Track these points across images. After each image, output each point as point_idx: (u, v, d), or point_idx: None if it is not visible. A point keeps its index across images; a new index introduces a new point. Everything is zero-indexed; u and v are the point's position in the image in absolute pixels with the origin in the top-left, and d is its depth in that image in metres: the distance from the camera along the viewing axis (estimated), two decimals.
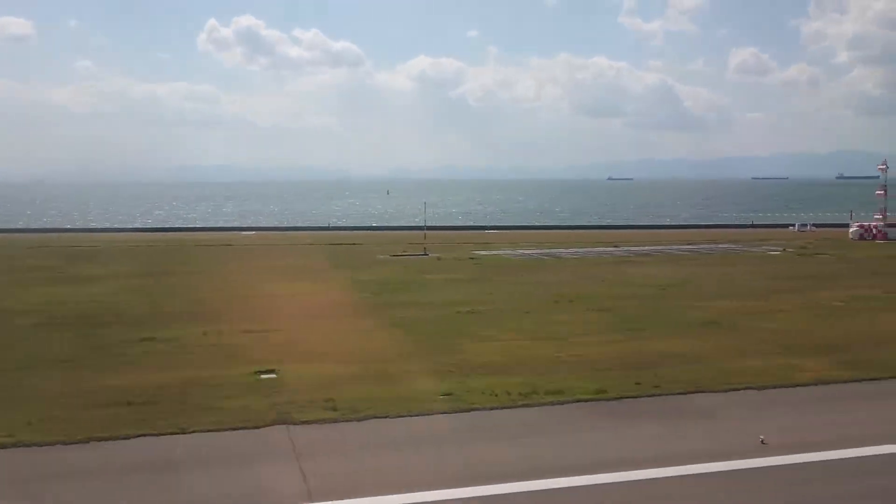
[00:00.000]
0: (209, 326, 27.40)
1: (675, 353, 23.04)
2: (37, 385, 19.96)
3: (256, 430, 16.32)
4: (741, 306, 31.48)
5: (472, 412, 17.58)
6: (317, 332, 26.54)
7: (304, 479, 13.63)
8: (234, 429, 16.37)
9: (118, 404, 18.02)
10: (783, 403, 18.24)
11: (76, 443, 15.52)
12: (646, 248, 59.14)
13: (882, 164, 68.05)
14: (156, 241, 69.67)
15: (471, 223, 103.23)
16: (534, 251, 57.19)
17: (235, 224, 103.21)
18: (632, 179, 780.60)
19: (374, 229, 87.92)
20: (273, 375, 20.87)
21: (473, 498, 12.84)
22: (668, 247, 59.68)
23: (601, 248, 58.91)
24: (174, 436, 15.93)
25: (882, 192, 67.50)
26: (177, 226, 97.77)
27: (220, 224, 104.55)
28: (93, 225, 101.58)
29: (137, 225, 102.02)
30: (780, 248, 56.87)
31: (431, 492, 13.08)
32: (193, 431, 16.15)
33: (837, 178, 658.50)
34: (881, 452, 14.74)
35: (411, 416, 17.27)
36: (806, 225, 78.53)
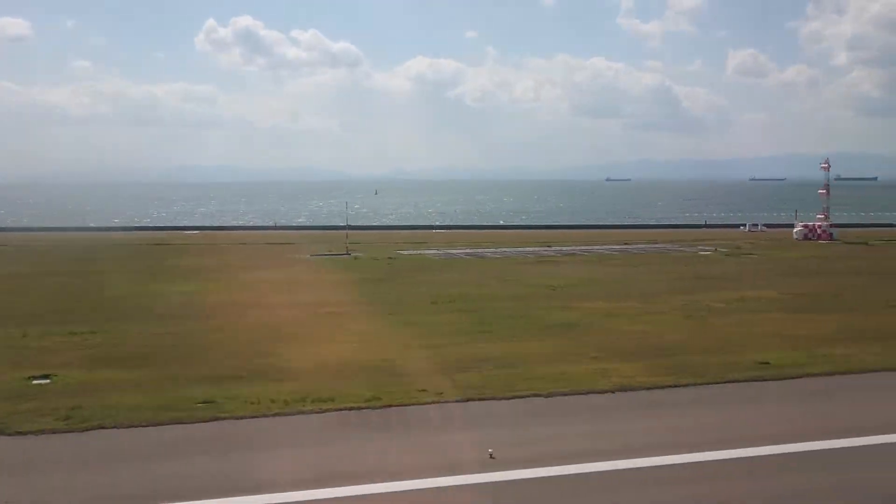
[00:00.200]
0: (39, 327, 26.16)
1: (497, 357, 21.77)
2: None
3: None
4: (617, 307, 30.19)
5: (224, 421, 16.34)
6: (141, 335, 25.24)
7: None
8: None
9: None
10: (553, 412, 16.97)
11: None
12: (579, 247, 57.89)
13: (824, 163, 66.76)
14: (84, 239, 68.56)
15: (428, 223, 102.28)
16: (463, 250, 55.98)
17: (205, 223, 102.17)
18: (630, 180, 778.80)
19: (321, 229, 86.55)
20: (46, 381, 19.58)
21: None
22: (603, 247, 58.41)
23: (533, 248, 57.68)
24: None
25: (824, 191, 66.22)
26: (133, 225, 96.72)
27: (183, 223, 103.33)
28: (47, 224, 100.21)
29: (92, 224, 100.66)
30: (713, 249, 55.55)
31: None
32: None
33: (835, 179, 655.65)
34: (603, 469, 13.42)
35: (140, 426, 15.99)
36: (757, 225, 77.15)
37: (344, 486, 12.66)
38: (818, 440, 14.71)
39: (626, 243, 61.40)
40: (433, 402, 17.57)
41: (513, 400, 17.84)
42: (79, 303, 32.10)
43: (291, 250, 56.38)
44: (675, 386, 18.91)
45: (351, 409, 17.08)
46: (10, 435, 15.45)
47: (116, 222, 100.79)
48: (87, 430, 15.73)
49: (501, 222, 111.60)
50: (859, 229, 76.56)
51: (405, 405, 17.42)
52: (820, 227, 64.01)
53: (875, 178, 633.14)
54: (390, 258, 50.65)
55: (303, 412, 16.90)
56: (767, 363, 20.90)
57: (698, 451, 14.15)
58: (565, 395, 18.17)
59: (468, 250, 56.09)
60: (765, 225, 77.75)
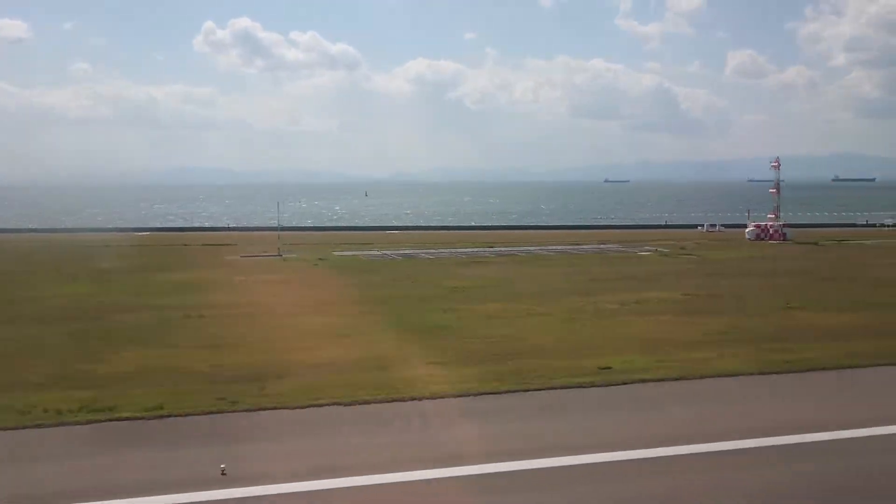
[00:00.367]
0: None
1: (334, 363, 20.59)
2: None
3: None
4: (505, 309, 29.00)
5: None
6: None
7: None
8: None
9: None
10: (348, 422, 15.75)
11: None
12: (522, 248, 56.69)
13: (774, 163, 65.44)
14: (23, 241, 67.70)
15: (401, 224, 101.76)
16: (402, 252, 54.78)
17: (172, 225, 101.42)
18: (628, 181, 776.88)
19: (270, 230, 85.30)
20: None
21: None
22: (548, 248, 57.21)
23: (475, 249, 56.48)
24: None
25: (775, 190, 64.91)
26: (85, 227, 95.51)
27: (153, 225, 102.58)
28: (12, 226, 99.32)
29: (56, 226, 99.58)
30: (654, 250, 54.30)
31: None
32: None
33: (833, 180, 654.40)
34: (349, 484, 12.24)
35: None
36: (715, 226, 75.86)
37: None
38: (605, 452, 13.48)
39: (575, 244, 60.18)
40: (218, 412, 16.39)
41: (309, 409, 16.65)
42: None
43: (227, 252, 55.22)
44: (492, 393, 17.69)
45: (128, 419, 15.94)
46: None
47: (68, 224, 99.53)
48: None
49: (473, 223, 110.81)
50: (820, 229, 75.20)
51: (190, 415, 16.25)
52: (772, 226, 62.70)
53: (873, 179, 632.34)
54: (320, 259, 49.50)
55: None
56: (609, 368, 19.71)
57: (470, 465, 12.96)
58: (366, 403, 16.97)
59: (406, 251, 54.88)
60: (723, 225, 76.43)
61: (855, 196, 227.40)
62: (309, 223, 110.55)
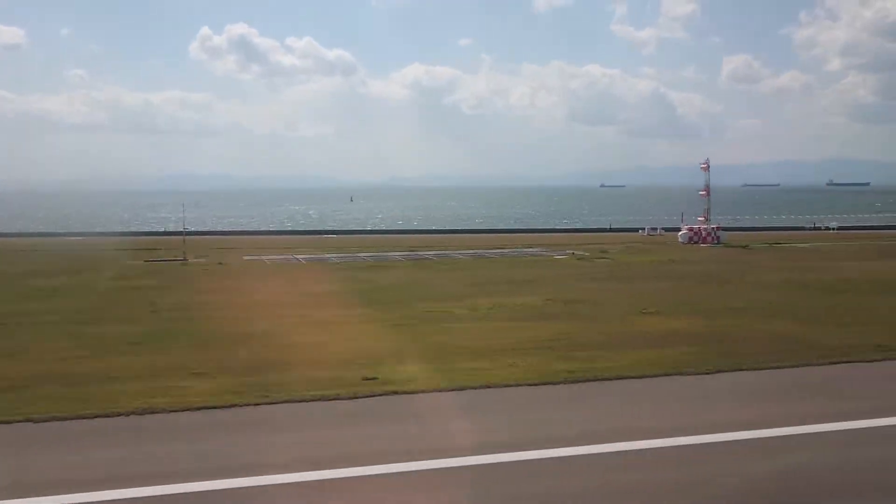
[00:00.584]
0: None
1: (68, 375, 19.13)
2: None
3: None
4: (344, 315, 27.56)
5: None
6: None
7: None
8: None
9: None
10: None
11: None
12: (438, 252, 55.23)
13: (703, 163, 64.01)
14: None
15: (343, 228, 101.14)
16: (312, 256, 53.49)
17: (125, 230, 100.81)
18: (624, 186, 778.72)
19: (212, 234, 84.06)
20: None
21: None
22: (466, 251, 55.68)
23: (389, 253, 55.07)
24: None
25: (704, 192, 63.50)
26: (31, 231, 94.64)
27: (115, 230, 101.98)
28: None
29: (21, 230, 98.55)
30: (571, 253, 52.87)
31: None
32: None
33: (828, 184, 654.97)
34: None
35: None
36: (656, 229, 74.53)
37: None
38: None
39: (501, 247, 58.87)
40: None
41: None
42: None
43: (137, 255, 53.81)
44: (220, 407, 16.18)
45: None
46: None
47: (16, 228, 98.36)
48: None
49: (433, 227, 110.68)
50: (765, 232, 73.81)
51: None
52: (705, 229, 61.28)
53: (867, 184, 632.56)
54: (219, 264, 48.13)
55: None
56: (375, 378, 18.22)
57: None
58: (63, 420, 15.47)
59: (319, 255, 53.59)
60: (663, 228, 75.04)
61: (847, 200, 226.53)
62: (270, 227, 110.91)
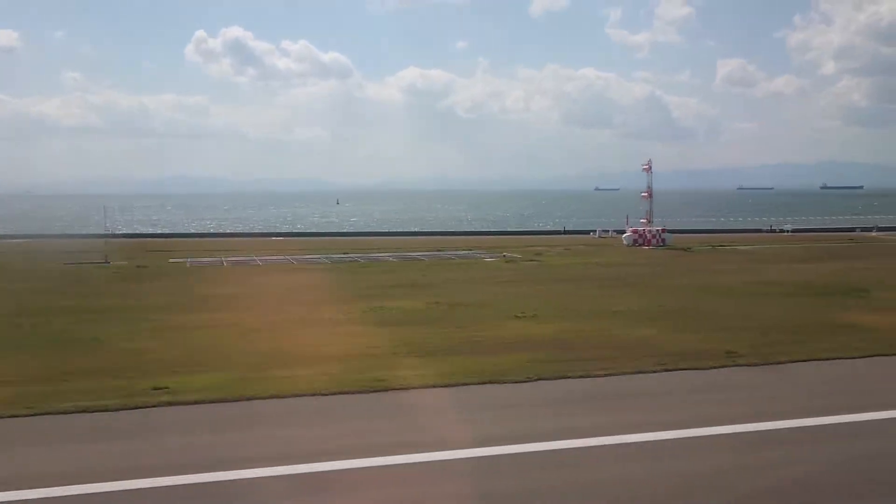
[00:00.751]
0: None
1: None
2: None
3: None
4: (214, 320, 26.45)
5: None
6: None
7: None
8: None
9: None
10: None
11: None
12: (369, 255, 54.13)
13: (645, 164, 63.03)
14: None
15: (295, 230, 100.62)
16: (238, 258, 52.41)
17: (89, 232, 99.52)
18: (618, 189, 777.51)
19: (163, 237, 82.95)
20: None
21: None
22: (399, 254, 54.80)
23: (325, 255, 54.13)
24: None
25: (647, 194, 62.51)
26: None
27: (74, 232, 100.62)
28: None
29: None
30: (502, 255, 51.87)
31: None
32: None
33: (822, 187, 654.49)
34: None
35: None
36: (608, 231, 73.59)
37: None
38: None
39: (438, 249, 57.86)
40: None
41: None
42: None
43: (63, 258, 52.64)
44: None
45: None
46: None
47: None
48: None
49: (401, 230, 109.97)
50: (716, 235, 72.79)
51: None
52: (649, 231, 60.28)
53: (861, 187, 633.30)
54: (139, 266, 47.03)
55: None
56: (166, 388, 17.13)
57: None
58: None
59: (245, 258, 52.52)
60: (615, 230, 74.05)
61: (840, 203, 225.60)
62: (236, 229, 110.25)
